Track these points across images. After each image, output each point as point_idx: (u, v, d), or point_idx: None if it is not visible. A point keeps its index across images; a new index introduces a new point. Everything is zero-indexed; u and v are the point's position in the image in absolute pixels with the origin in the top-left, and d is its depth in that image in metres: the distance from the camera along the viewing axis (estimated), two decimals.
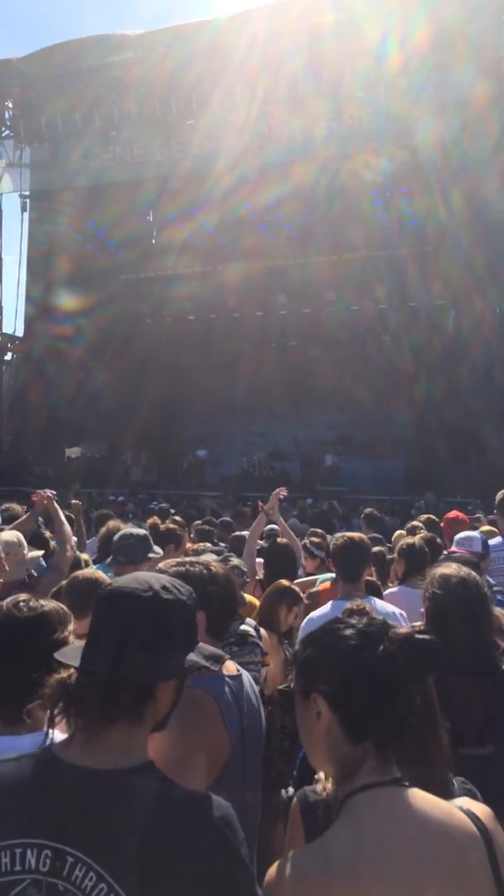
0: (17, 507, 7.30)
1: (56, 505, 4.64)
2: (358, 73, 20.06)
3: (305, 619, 3.58)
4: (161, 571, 2.11)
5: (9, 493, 17.65)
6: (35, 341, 25.90)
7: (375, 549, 5.12)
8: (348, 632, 1.49)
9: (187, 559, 2.17)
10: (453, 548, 4.63)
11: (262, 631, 3.49)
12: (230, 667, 2.16)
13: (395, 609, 3.62)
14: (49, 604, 1.88)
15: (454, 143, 19.44)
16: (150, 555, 3.92)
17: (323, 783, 1.62)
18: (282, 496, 5.89)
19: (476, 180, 19.12)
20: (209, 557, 3.34)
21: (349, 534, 4.06)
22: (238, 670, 2.19)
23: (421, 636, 1.46)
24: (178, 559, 2.19)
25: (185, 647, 1.39)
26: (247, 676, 2.22)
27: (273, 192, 22.39)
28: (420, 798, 1.36)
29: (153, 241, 26.39)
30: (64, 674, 1.34)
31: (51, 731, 1.35)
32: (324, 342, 23.73)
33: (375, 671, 1.43)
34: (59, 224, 25.85)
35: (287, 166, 21.35)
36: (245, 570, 4.08)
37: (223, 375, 23.16)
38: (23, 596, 1.91)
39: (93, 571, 2.85)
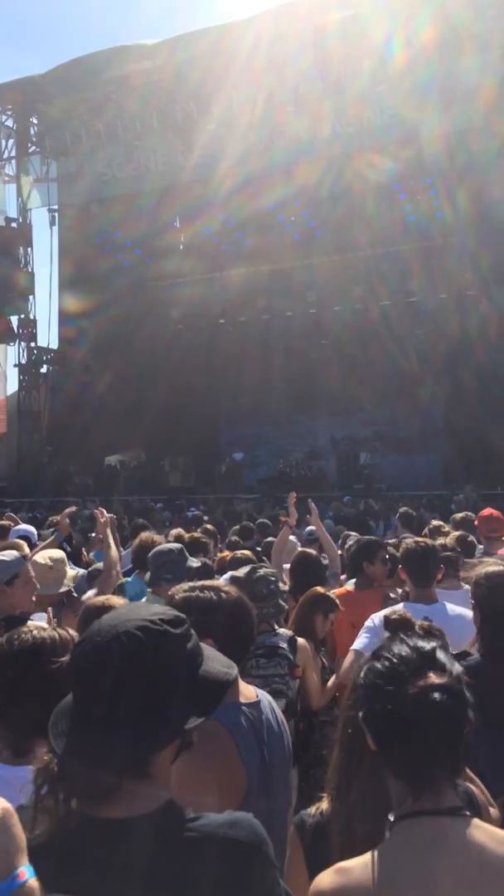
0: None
1: (108, 530, 4.62)
2: (363, 72, 19.93)
3: (370, 618, 3.50)
4: (171, 594, 2.06)
5: (51, 505, 18.00)
6: (71, 354, 26.26)
7: None
8: (380, 665, 1.39)
9: (199, 583, 2.10)
10: None
11: (301, 640, 3.42)
12: (247, 693, 2.07)
13: (466, 611, 3.46)
14: (45, 633, 1.85)
15: (460, 141, 19.15)
16: (189, 564, 3.91)
17: (317, 805, 1.58)
18: (294, 501, 6.18)
19: (482, 179, 18.85)
20: (241, 570, 3.29)
21: (420, 538, 4.10)
22: (257, 696, 2.10)
23: (447, 687, 1.33)
24: (191, 583, 2.12)
25: (184, 694, 1.24)
26: (266, 700, 2.13)
27: (292, 191, 22.33)
28: (478, 829, 1.31)
29: (181, 247, 26.48)
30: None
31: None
32: (356, 340, 23.46)
33: (393, 714, 1.33)
34: (88, 236, 26.13)
35: (292, 167, 21.37)
36: (282, 583, 3.98)
37: (257, 378, 23.06)
38: (30, 625, 1.89)
39: (106, 598, 2.83)
